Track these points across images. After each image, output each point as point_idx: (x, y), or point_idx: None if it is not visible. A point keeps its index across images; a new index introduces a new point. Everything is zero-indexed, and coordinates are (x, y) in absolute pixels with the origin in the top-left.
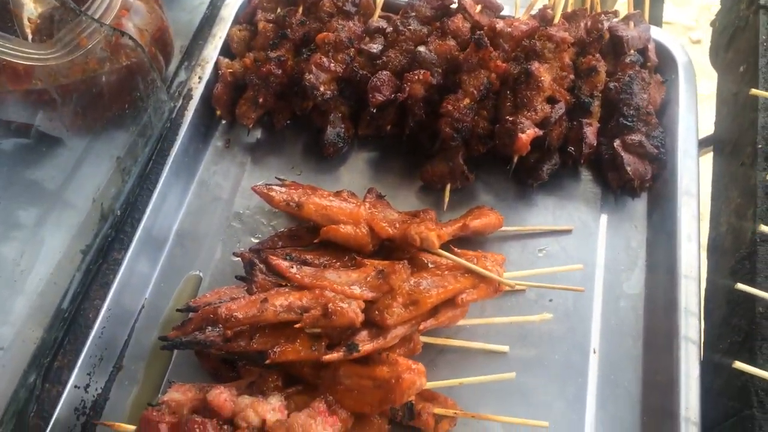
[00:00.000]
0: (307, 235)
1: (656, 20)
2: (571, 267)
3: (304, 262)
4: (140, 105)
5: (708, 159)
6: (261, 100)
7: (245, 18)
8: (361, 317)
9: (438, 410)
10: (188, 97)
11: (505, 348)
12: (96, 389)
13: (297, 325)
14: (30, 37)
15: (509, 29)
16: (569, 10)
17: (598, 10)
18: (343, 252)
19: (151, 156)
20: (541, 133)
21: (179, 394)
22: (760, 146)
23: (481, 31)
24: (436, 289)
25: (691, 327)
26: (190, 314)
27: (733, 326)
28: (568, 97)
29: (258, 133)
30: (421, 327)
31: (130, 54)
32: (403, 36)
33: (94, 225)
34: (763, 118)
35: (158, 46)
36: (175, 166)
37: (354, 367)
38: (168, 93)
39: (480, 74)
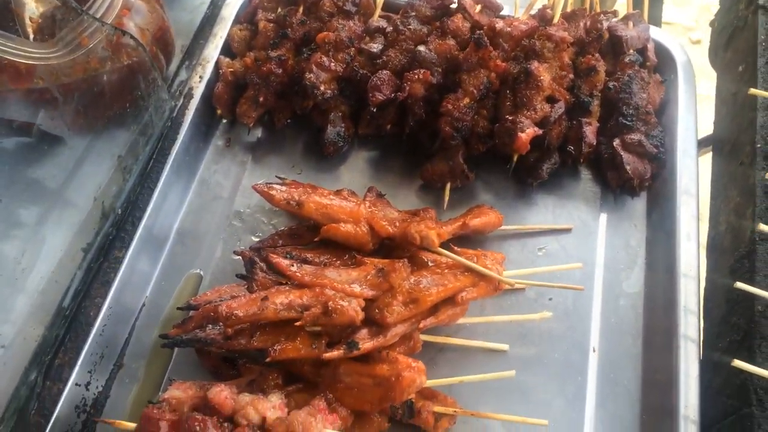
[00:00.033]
0: (308, 234)
1: (655, 20)
2: (570, 266)
3: (305, 261)
4: (141, 104)
5: (707, 159)
6: (261, 99)
7: (246, 18)
8: (361, 315)
9: (438, 408)
10: (189, 96)
11: (505, 346)
12: (97, 387)
13: (297, 323)
14: (32, 36)
15: (509, 29)
16: (569, 9)
17: (598, 10)
18: (344, 250)
19: (152, 155)
20: (540, 132)
21: (180, 392)
22: (758, 145)
23: (481, 31)
24: (436, 288)
25: (690, 325)
26: (191, 312)
27: (732, 325)
28: (567, 97)
29: (258, 132)
30: (421, 325)
31: (132, 53)
32: (403, 35)
33: (95, 223)
34: (762, 118)
35: (159, 46)
36: (176, 164)
37: (354, 365)
38: (169, 92)
39: (480, 74)
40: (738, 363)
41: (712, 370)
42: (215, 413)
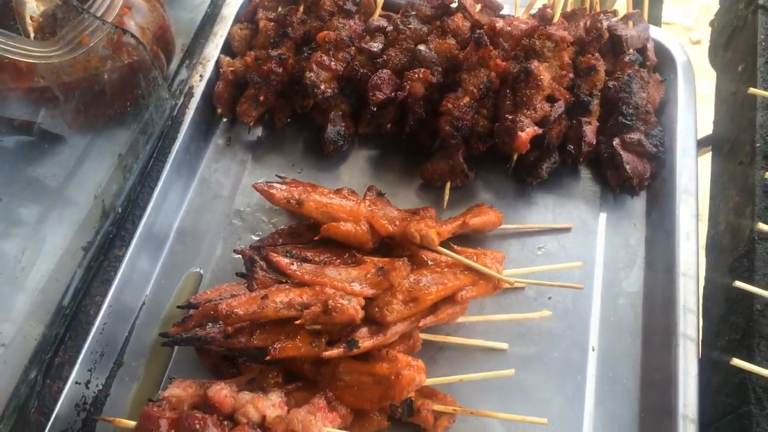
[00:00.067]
0: (308, 233)
1: (655, 20)
2: (570, 265)
3: (305, 259)
4: (142, 103)
5: (707, 158)
6: (262, 98)
7: (246, 17)
8: (361, 314)
9: (437, 407)
10: (189, 95)
11: (505, 345)
12: (97, 385)
13: (297, 322)
14: (32, 35)
15: (509, 28)
16: (569, 9)
17: (598, 10)
18: (343, 249)
19: (152, 153)
20: (540, 131)
21: (180, 390)
22: (758, 145)
23: (481, 30)
24: (436, 286)
25: (689, 324)
26: (191, 311)
27: (731, 324)
28: (567, 96)
29: (259, 131)
30: (421, 324)
31: (132, 52)
32: (404, 35)
33: (95, 222)
34: (761, 117)
35: (160, 45)
36: (176, 163)
37: (354, 364)
38: (169, 91)
39: (480, 73)
40: (737, 362)
41: (710, 368)
42: (215, 411)
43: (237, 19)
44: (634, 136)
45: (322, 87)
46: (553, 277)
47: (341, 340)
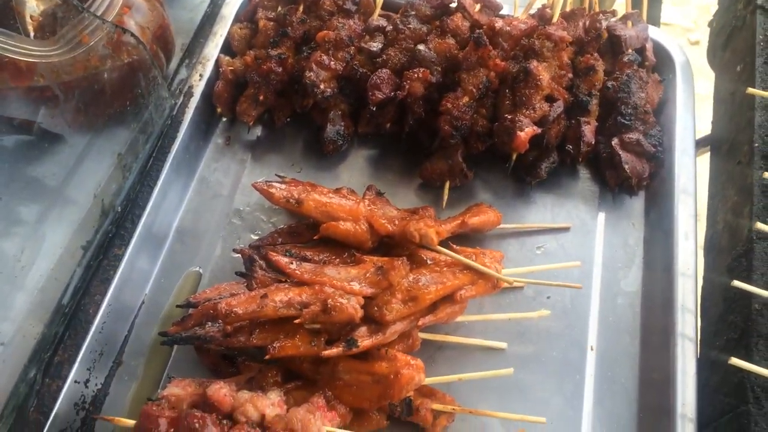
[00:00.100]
0: (307, 232)
1: (654, 20)
2: (568, 264)
3: (304, 259)
4: (141, 102)
5: (705, 158)
6: (261, 97)
7: (246, 16)
8: (360, 313)
9: (436, 406)
10: (189, 94)
11: (503, 345)
12: (96, 384)
13: (296, 321)
14: (32, 34)
15: (508, 28)
16: (568, 9)
17: (597, 10)
18: (343, 248)
19: (151, 153)
20: (539, 131)
21: (179, 389)
22: (756, 145)
23: (480, 30)
24: (435, 286)
25: (687, 324)
26: (190, 310)
27: (729, 323)
28: (566, 96)
29: (258, 131)
30: (420, 323)
31: (132, 51)
32: (403, 34)
33: (94, 221)
34: (760, 117)
35: (159, 44)
36: (176, 163)
37: (353, 363)
38: (169, 90)
39: (479, 73)
40: (735, 361)
41: (709, 368)
42: (214, 410)
43: (237, 19)
44: (633, 136)
45: (322, 86)
46: (552, 276)
47: (340, 339)
